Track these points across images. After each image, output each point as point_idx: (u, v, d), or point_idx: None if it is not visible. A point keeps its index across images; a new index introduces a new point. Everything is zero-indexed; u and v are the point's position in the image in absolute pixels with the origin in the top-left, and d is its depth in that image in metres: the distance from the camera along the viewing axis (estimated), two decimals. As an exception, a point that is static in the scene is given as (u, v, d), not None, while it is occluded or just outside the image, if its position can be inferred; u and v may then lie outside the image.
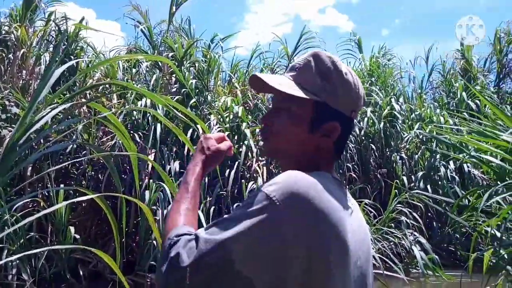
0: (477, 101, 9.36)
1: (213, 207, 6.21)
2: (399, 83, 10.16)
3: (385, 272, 6.04)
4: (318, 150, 0.95)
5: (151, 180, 6.04)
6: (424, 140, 8.68)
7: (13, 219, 5.25)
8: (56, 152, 6.24)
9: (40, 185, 6.09)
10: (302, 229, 0.76)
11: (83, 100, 5.97)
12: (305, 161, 0.94)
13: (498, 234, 2.20)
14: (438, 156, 8.27)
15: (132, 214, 5.96)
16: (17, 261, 5.15)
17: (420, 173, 8.04)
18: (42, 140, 6.34)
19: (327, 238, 0.77)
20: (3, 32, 7.28)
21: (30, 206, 5.78)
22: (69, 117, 6.19)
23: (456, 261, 7.24)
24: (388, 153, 8.47)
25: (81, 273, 5.44)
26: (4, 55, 6.98)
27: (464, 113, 8.03)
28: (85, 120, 5.90)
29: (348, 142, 7.79)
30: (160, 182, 6.03)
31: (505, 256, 2.18)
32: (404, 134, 8.80)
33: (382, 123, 8.30)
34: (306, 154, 0.95)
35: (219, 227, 0.79)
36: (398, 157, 8.26)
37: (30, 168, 5.97)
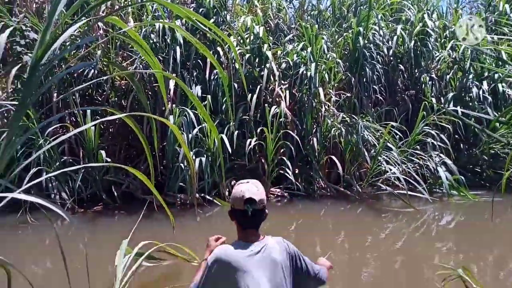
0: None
1: (236, 132, 6.24)
2: (432, -3, 9.33)
3: (408, 192, 6.12)
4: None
5: (173, 105, 6.03)
6: (457, 59, 8.17)
7: (47, 143, 5.46)
8: (79, 79, 6.24)
9: (67, 111, 6.20)
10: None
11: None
12: None
13: None
14: (471, 76, 7.84)
15: (158, 139, 6.08)
16: (56, 182, 5.47)
17: (450, 94, 7.71)
18: (63, 66, 6.32)
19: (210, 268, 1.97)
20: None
21: (60, 132, 5.96)
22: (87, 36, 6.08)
23: (482, 181, 7.23)
24: (418, 74, 8.07)
25: (115, 194, 5.74)
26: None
27: (505, 29, 7.40)
28: (103, 37, 5.75)
29: (374, 63, 7.43)
30: (184, 107, 6.03)
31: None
32: (435, 54, 8.30)
33: (413, 42, 7.79)
34: None
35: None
36: (428, 78, 7.88)
37: (55, 94, 6.03)
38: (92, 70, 6.19)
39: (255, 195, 1.96)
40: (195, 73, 6.74)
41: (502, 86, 7.68)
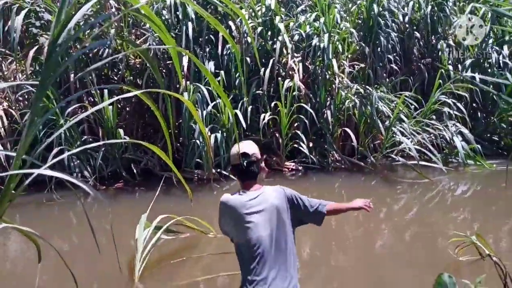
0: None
1: (250, 107, 6.29)
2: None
3: (423, 162, 6.11)
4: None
5: (188, 82, 6.10)
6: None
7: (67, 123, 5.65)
8: (95, 59, 6.35)
9: (85, 91, 6.35)
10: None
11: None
12: None
13: None
14: (490, 40, 7.58)
15: (173, 117, 6.20)
16: (78, 161, 5.70)
17: (468, 61, 7.50)
18: (78, 46, 6.42)
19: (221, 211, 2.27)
20: None
21: (79, 112, 6.13)
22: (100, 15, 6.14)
23: (499, 150, 7.14)
24: (434, 41, 7.85)
25: (134, 171, 5.95)
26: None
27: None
28: (116, 16, 5.78)
29: (389, 31, 7.25)
30: (198, 84, 6.09)
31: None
32: (453, 19, 8.02)
33: (430, 7, 7.53)
34: None
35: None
36: (445, 45, 7.66)
37: (72, 75, 6.16)
38: (107, 50, 6.27)
39: (248, 150, 2.28)
40: (207, 49, 6.74)
41: (524, 51, 7.42)
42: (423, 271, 3.16)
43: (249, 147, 2.30)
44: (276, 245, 2.11)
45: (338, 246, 3.88)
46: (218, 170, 5.95)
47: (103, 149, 5.81)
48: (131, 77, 6.74)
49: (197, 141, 5.85)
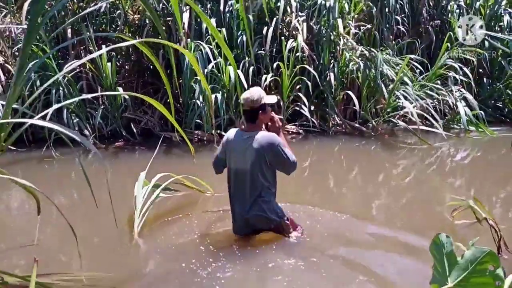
0: None
1: (252, 67, 6.16)
2: None
3: (423, 127, 6.06)
4: None
5: (188, 40, 5.94)
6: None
7: (65, 80, 5.56)
8: (92, 15, 6.15)
9: (82, 47, 6.21)
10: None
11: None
12: None
13: None
14: (504, 2, 7.28)
15: (174, 77, 6.09)
16: (77, 119, 5.67)
17: (478, 23, 7.25)
18: (75, 0, 6.21)
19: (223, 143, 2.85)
20: None
21: (78, 69, 6.02)
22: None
23: (503, 117, 7.06)
24: (444, 1, 7.55)
25: (134, 130, 5.93)
26: None
27: None
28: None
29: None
30: (199, 41, 5.93)
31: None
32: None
33: (442, -35, 7.19)
34: None
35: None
36: (455, 6, 7.37)
37: (69, 31, 6.00)
38: (105, 5, 6.06)
39: (244, 99, 2.72)
40: (209, 5, 6.52)
41: (537, 15, 7.16)
42: (418, 233, 3.19)
43: (246, 97, 2.70)
44: (247, 177, 2.67)
45: (335, 205, 3.89)
46: (218, 131, 5.92)
47: (102, 107, 5.76)
48: (130, 34, 6.56)
49: (197, 101, 5.79)
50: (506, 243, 2.82)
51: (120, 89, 5.77)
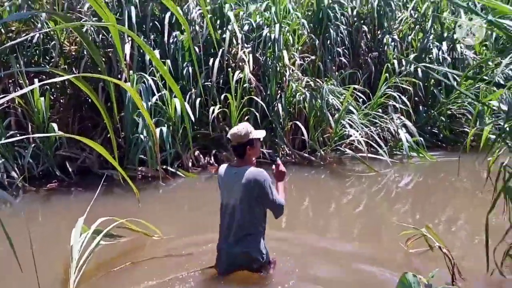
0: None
1: (199, 99, 6.00)
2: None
3: (368, 155, 6.23)
4: None
5: (131, 72, 5.67)
6: (419, 20, 8.18)
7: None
8: (22, 45, 5.70)
9: (11, 81, 5.69)
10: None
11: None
12: None
13: (504, 107, 2.07)
14: (431, 36, 7.89)
15: (115, 111, 5.74)
16: (3, 160, 5.08)
17: (412, 56, 7.76)
18: (3, 31, 5.74)
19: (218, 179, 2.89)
20: None
21: (6, 104, 5.47)
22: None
23: (439, 142, 7.49)
24: (380, 35, 8.02)
25: (70, 169, 5.43)
26: None
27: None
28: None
29: (338, 24, 7.31)
30: (142, 73, 5.69)
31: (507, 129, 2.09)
32: (398, 14, 8.25)
33: (377, 1, 7.65)
34: None
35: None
36: (390, 39, 7.86)
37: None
38: (38, 35, 5.65)
39: (231, 135, 2.74)
40: (152, 36, 6.33)
41: (460, 47, 7.81)
42: (375, 264, 3.14)
43: (233, 132, 2.73)
44: (236, 213, 2.67)
45: (286, 238, 3.75)
46: (164, 166, 5.62)
47: (33, 145, 5.24)
48: (66, 66, 6.15)
49: (141, 136, 5.47)
50: (459, 270, 2.86)
51: (54, 125, 5.30)
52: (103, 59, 6.05)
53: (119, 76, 5.82)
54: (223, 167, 2.84)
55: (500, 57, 6.85)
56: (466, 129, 7.31)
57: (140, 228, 3.61)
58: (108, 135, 5.66)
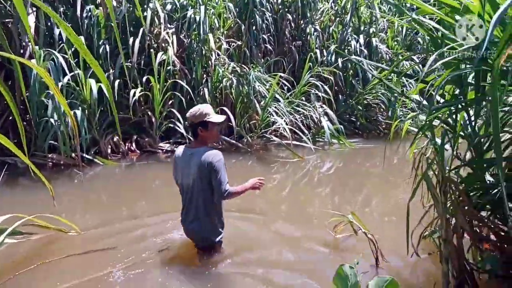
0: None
1: (117, 81, 5.55)
2: None
3: (293, 142, 6.38)
4: None
5: (36, 47, 5.00)
6: (339, 12, 8.54)
7: None
8: None
9: None
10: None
11: None
12: None
13: (425, 101, 2.21)
14: (350, 29, 8.30)
15: (17, 89, 5.04)
16: None
17: (332, 47, 8.09)
18: None
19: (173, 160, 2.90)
20: None
21: None
22: None
23: (356, 130, 7.97)
24: (304, 24, 8.22)
25: (-39, 157, 4.67)
26: None
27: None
28: None
29: (264, 10, 7.29)
30: (50, 50, 5.06)
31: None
32: (320, 6, 8.52)
33: (300, -10, 7.79)
34: None
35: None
36: (313, 29, 8.08)
37: None
38: None
39: (187, 114, 2.77)
40: (61, 9, 5.65)
41: (375, 41, 8.34)
42: (303, 249, 3.20)
43: (190, 111, 2.75)
44: (192, 193, 2.73)
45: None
46: (80, 153, 5.11)
47: None
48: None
49: (51, 120, 4.90)
50: (382, 254, 3.03)
51: None
52: (2, 32, 5.24)
53: (21, 52, 5.11)
54: (180, 148, 2.86)
55: (407, 52, 7.45)
56: (379, 118, 7.88)
57: (54, 223, 3.22)
58: (5, 118, 4.98)
